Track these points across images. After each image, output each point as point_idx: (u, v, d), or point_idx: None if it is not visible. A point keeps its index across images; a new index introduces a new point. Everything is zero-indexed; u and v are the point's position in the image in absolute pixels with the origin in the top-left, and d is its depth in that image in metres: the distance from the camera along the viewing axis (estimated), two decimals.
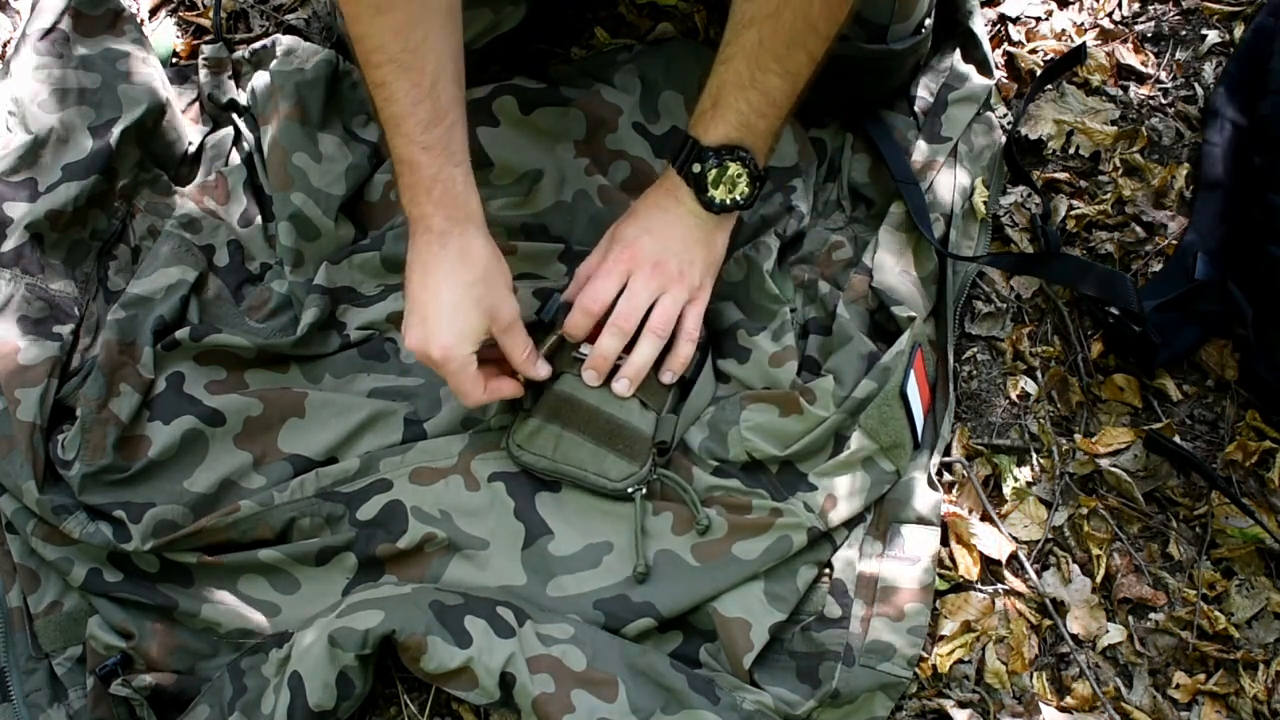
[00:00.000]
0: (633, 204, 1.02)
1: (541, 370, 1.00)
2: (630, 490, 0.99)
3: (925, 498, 1.01)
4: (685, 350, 1.00)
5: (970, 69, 1.15)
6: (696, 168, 0.95)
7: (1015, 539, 1.03)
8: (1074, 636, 1.00)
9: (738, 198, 0.96)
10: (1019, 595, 1.01)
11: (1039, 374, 1.09)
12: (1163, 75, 1.20)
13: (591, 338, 1.00)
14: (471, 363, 0.94)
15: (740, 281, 1.07)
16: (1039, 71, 1.18)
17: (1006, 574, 1.02)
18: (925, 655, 0.98)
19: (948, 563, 1.02)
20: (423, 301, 0.94)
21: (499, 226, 1.11)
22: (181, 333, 1.05)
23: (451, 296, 0.93)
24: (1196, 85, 1.18)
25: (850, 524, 1.01)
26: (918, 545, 1.00)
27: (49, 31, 1.13)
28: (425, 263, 0.94)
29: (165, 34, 1.26)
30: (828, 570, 1.01)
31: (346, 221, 1.12)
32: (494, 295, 0.95)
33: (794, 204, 1.11)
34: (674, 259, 0.98)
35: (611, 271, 0.98)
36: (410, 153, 0.92)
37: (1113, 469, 1.04)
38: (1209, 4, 1.22)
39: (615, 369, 1.00)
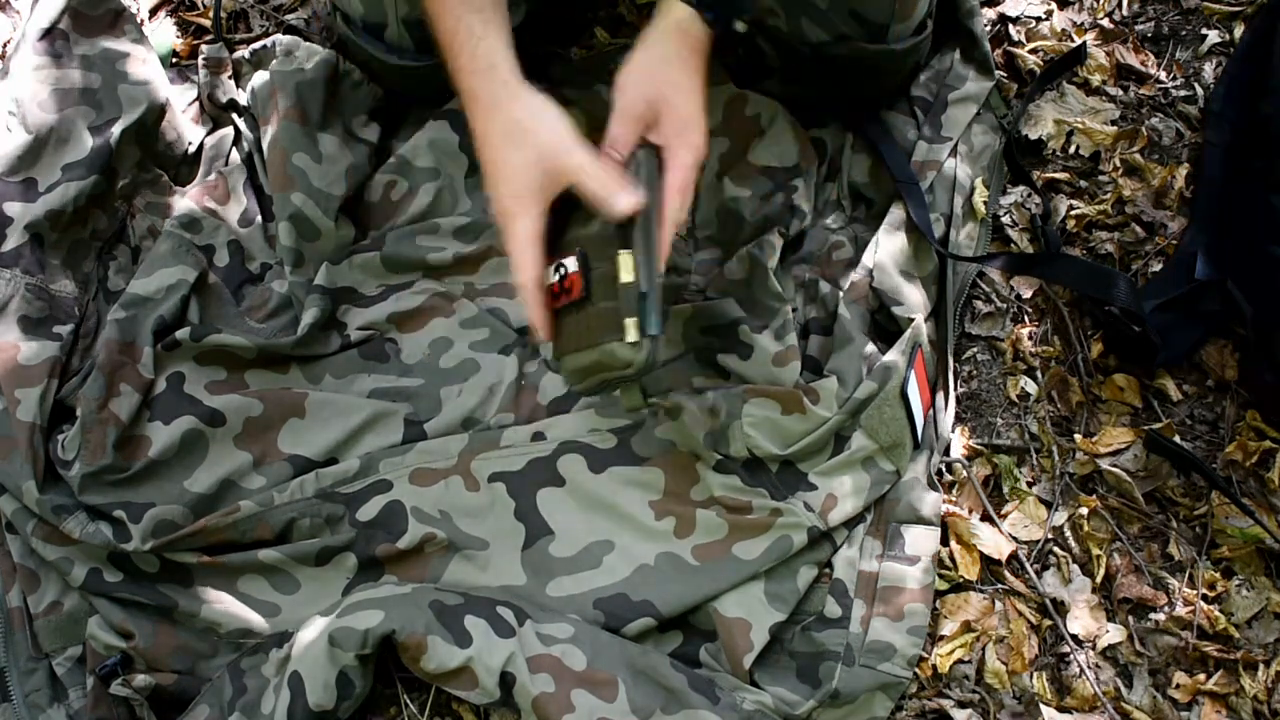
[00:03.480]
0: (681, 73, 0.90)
1: (623, 203, 0.87)
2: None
3: (925, 498, 1.01)
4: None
5: (970, 69, 1.15)
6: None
7: (1015, 539, 1.03)
8: (1074, 636, 1.00)
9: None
10: (1019, 595, 1.01)
11: (1039, 374, 1.09)
12: (1163, 75, 1.20)
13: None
14: (522, 226, 0.87)
15: (743, 279, 1.07)
16: (1039, 71, 1.18)
17: (1006, 574, 1.02)
18: (925, 655, 0.98)
19: (948, 563, 1.02)
20: (487, 164, 0.90)
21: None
22: (181, 333, 1.05)
23: (513, 158, 0.88)
24: (1196, 85, 1.18)
25: (850, 524, 1.01)
26: (918, 545, 1.00)
27: (49, 31, 1.13)
28: (474, 122, 0.90)
29: (165, 34, 1.26)
30: (828, 570, 1.01)
31: (346, 221, 1.12)
32: (563, 165, 0.87)
33: (796, 204, 1.11)
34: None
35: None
36: (433, 9, 0.90)
37: (1113, 469, 1.04)
38: (1209, 4, 1.22)
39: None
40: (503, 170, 0.87)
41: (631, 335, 0.84)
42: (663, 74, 0.89)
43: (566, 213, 0.90)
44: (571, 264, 0.86)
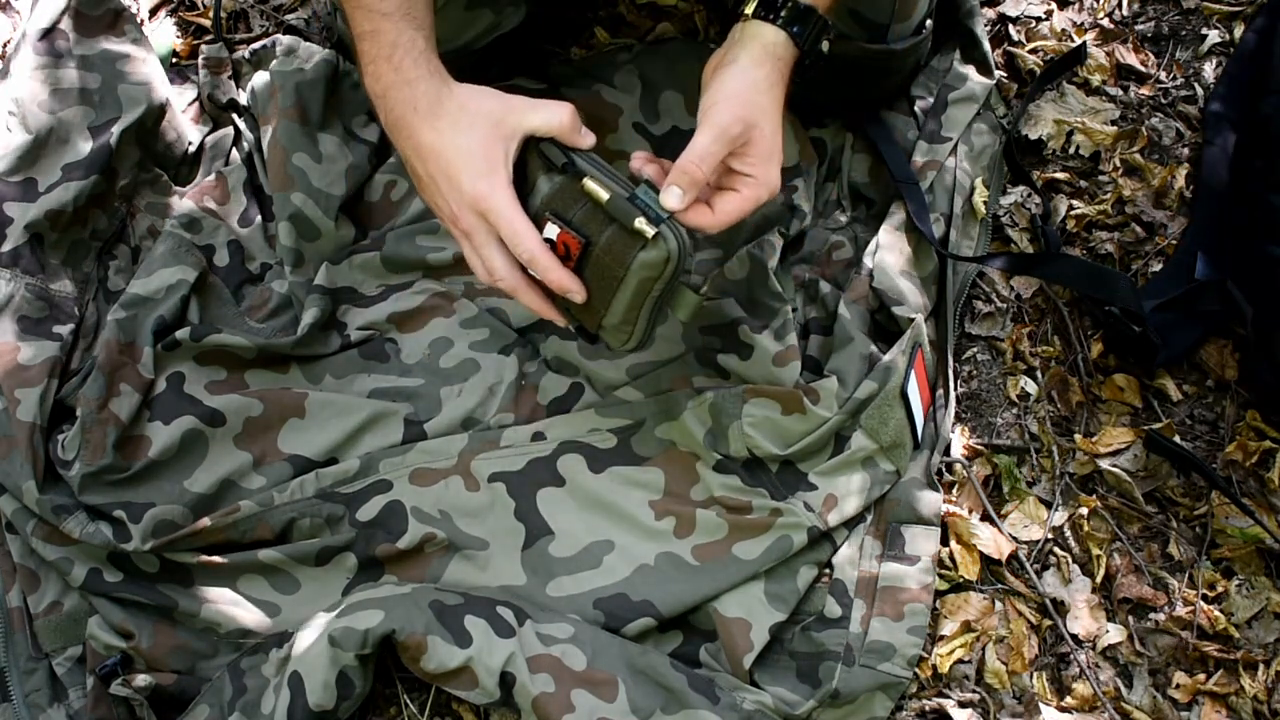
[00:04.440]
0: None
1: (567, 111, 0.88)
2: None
3: (925, 498, 1.01)
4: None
5: (970, 69, 1.15)
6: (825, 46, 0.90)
7: (1015, 539, 1.03)
8: (1074, 636, 1.00)
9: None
10: (1019, 595, 1.01)
11: (1039, 374, 1.09)
12: (1163, 75, 1.20)
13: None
14: (503, 198, 0.84)
15: (743, 279, 1.07)
16: (1039, 71, 1.18)
17: (1006, 574, 1.02)
18: (925, 655, 0.98)
19: (948, 563, 1.02)
20: (441, 166, 0.86)
21: None
22: (181, 333, 1.05)
23: (468, 141, 0.85)
24: (1196, 85, 1.18)
25: (850, 524, 1.01)
26: (918, 545, 1.00)
27: (49, 31, 1.13)
28: (417, 135, 0.86)
29: (165, 34, 1.26)
30: (828, 570, 1.01)
31: (346, 221, 1.12)
32: (517, 115, 0.86)
33: (796, 203, 1.11)
34: None
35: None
36: (372, 23, 0.87)
37: (1113, 469, 1.04)
38: (1209, 4, 1.22)
39: None
40: (462, 159, 0.85)
41: (648, 230, 0.82)
42: (757, 100, 0.87)
43: None
44: (551, 229, 0.85)
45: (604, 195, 0.83)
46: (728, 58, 0.88)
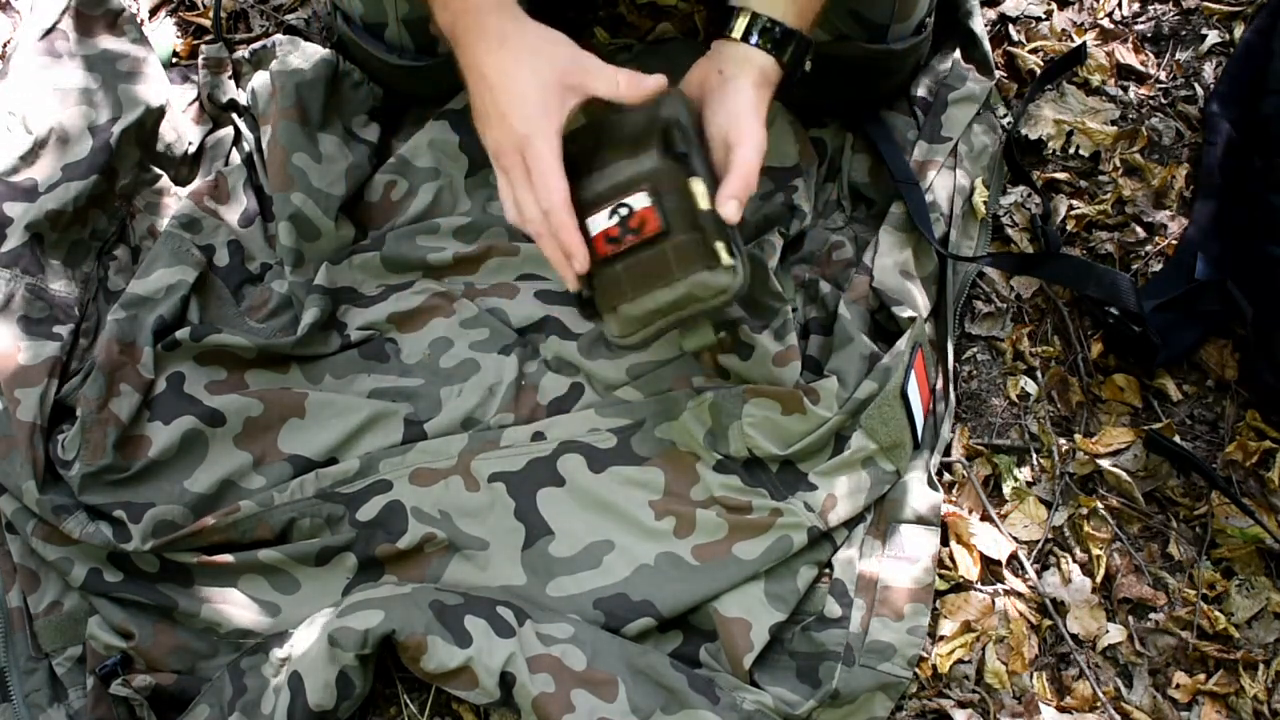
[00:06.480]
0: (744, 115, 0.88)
1: (651, 83, 0.87)
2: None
3: (925, 498, 1.01)
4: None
5: (970, 69, 1.15)
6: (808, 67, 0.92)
7: (1015, 539, 1.03)
8: (1074, 636, 1.00)
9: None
10: (1019, 595, 1.01)
11: (1039, 374, 1.09)
12: (1163, 75, 1.20)
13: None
14: (544, 146, 0.84)
15: None
16: (1039, 71, 1.18)
17: (1006, 574, 1.02)
18: (925, 655, 0.98)
19: (948, 563, 1.02)
20: (497, 99, 0.86)
21: (501, 227, 1.11)
22: (182, 333, 1.05)
23: (529, 82, 0.85)
24: (1196, 85, 1.18)
25: (850, 524, 1.01)
26: (917, 545, 1.00)
27: (49, 31, 1.13)
28: (481, 64, 0.87)
29: (165, 34, 1.26)
30: (828, 570, 1.01)
31: (346, 221, 1.12)
32: (583, 74, 0.86)
33: (796, 204, 1.11)
34: None
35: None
36: None
37: (1113, 469, 1.04)
38: (1209, 4, 1.22)
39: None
40: (518, 99, 0.85)
41: (727, 259, 0.81)
42: (763, 123, 0.88)
43: (585, 161, 0.87)
44: (639, 201, 0.83)
45: (705, 204, 0.83)
46: (727, 73, 0.89)
